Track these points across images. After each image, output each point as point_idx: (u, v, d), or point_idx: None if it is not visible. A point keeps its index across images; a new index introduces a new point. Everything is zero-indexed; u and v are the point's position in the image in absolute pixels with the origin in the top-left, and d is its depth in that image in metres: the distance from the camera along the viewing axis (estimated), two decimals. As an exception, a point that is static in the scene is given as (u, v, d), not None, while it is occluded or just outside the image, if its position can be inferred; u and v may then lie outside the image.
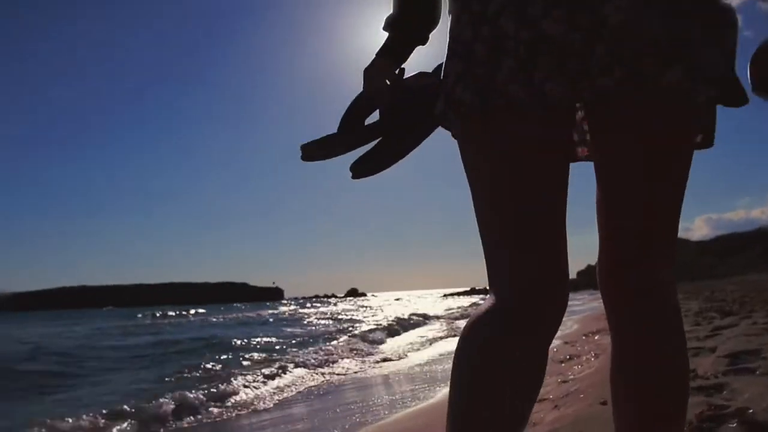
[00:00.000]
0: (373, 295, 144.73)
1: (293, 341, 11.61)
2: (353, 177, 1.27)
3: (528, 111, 0.97)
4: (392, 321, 16.66)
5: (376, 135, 1.27)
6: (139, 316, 38.12)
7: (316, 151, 1.27)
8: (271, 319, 24.90)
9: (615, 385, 1.13)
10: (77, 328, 23.47)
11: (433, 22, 1.23)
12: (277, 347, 10.60)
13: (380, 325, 15.24)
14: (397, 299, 67.57)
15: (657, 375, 1.06)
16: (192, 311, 45.14)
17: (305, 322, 20.28)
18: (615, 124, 0.99)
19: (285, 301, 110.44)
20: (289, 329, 16.50)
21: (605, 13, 0.90)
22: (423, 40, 1.25)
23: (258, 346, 10.80)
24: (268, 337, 13.19)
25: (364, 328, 14.61)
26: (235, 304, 79.41)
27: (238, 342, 11.66)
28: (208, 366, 7.65)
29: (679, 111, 0.97)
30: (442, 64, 1.12)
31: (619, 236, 1.07)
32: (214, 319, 28.23)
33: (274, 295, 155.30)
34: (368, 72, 1.25)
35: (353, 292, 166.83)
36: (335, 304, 59.49)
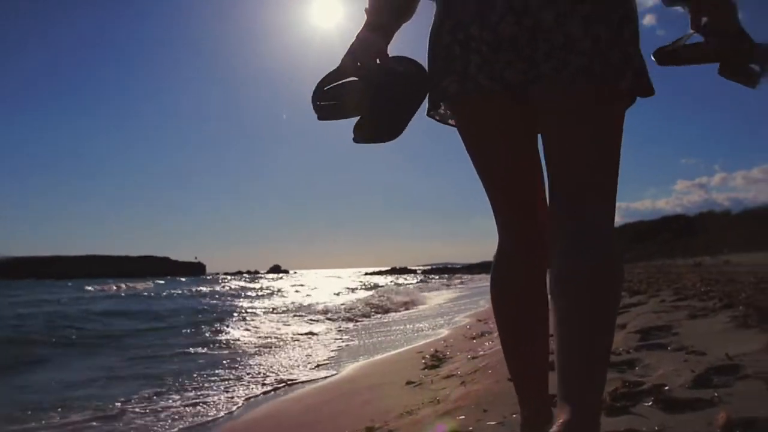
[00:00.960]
0: (295, 272, 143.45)
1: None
2: (354, 140, 1.34)
3: (494, 95, 1.24)
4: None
5: (358, 111, 1.33)
6: (89, 288, 34.11)
7: (322, 111, 1.35)
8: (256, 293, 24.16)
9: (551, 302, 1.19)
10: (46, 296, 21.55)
11: None
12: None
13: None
14: (335, 276, 67.14)
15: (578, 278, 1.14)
16: (144, 284, 42.03)
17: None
18: (553, 99, 1.21)
19: (224, 276, 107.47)
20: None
21: (541, 17, 1.16)
22: (408, 15, 1.38)
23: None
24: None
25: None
26: (177, 278, 76.44)
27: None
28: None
29: (596, 91, 1.19)
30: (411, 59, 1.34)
31: (555, 179, 1.25)
32: (175, 292, 26.87)
33: (196, 270, 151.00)
34: (357, 47, 1.33)
35: (276, 269, 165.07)
36: (274, 280, 58.39)
